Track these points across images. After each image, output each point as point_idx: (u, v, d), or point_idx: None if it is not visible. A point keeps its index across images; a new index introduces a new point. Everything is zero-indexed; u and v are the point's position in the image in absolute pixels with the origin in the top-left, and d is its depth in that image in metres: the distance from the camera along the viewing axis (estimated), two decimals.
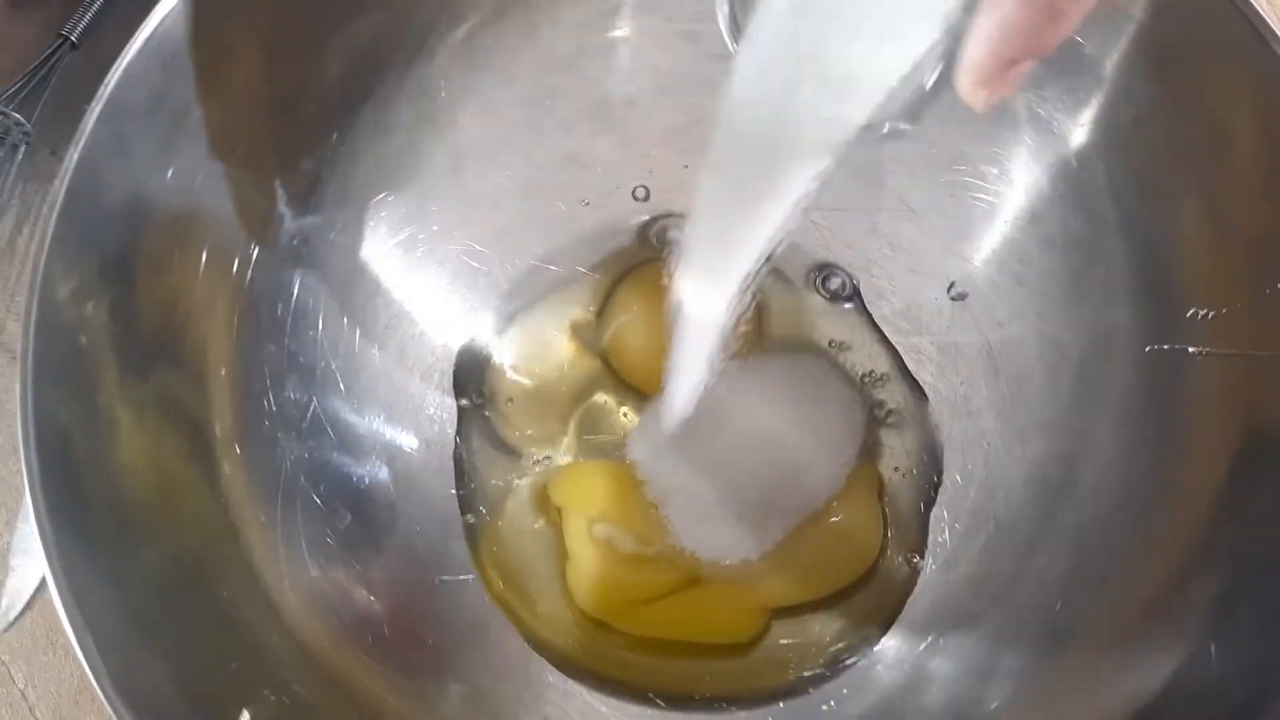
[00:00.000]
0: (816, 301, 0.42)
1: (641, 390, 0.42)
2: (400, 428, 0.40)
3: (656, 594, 0.39)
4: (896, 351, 0.41)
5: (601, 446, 0.42)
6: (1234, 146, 0.32)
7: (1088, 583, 0.35)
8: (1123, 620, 0.33)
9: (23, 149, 0.44)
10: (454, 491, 0.40)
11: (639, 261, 0.43)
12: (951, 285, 0.40)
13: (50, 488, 0.27)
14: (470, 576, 0.39)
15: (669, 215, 0.43)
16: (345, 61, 0.35)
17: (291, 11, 0.33)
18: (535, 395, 0.42)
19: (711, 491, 0.39)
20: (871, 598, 0.39)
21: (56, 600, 0.27)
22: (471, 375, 0.42)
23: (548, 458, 0.41)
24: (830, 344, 0.42)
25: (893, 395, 0.41)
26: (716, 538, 0.39)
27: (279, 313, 0.36)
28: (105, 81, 0.29)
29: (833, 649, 0.38)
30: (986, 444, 0.39)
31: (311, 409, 0.37)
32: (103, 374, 0.30)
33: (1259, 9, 0.29)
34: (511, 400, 0.42)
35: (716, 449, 0.40)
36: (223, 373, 0.35)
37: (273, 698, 0.32)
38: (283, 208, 0.36)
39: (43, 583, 0.32)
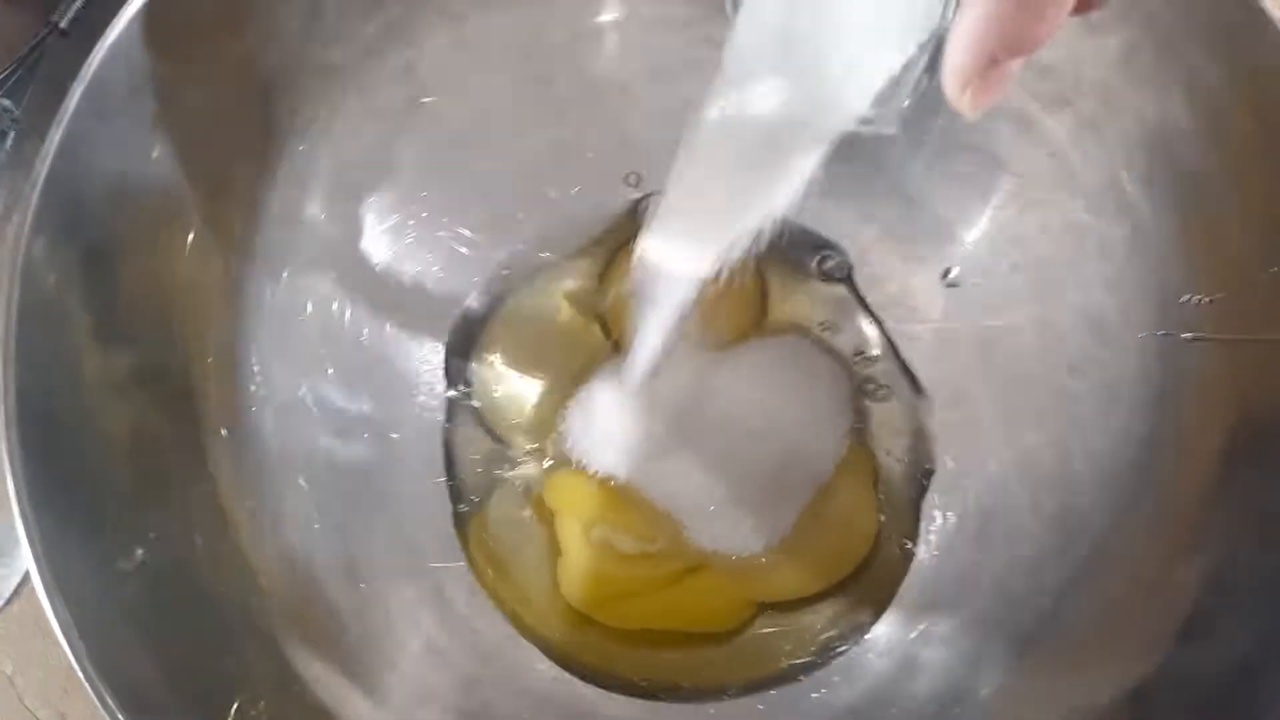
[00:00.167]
0: (806, 283, 0.42)
1: None
2: (390, 415, 0.40)
3: (650, 589, 0.39)
4: (889, 336, 0.41)
5: None
6: (1228, 131, 0.32)
7: (1078, 570, 0.35)
8: (1113, 607, 0.33)
9: (11, 135, 0.44)
10: (444, 480, 0.40)
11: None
12: (947, 271, 0.40)
13: (32, 473, 0.27)
14: (460, 564, 0.39)
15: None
16: (332, 45, 0.35)
17: None
18: (525, 385, 0.42)
19: (721, 487, 0.39)
20: (864, 585, 0.39)
21: (38, 586, 0.27)
22: (461, 364, 0.42)
23: (537, 448, 0.41)
24: (820, 325, 0.42)
25: (884, 374, 0.41)
26: (735, 531, 0.39)
27: (267, 297, 0.36)
28: (89, 61, 0.29)
29: (824, 636, 0.38)
30: (979, 430, 0.39)
31: (300, 395, 0.37)
32: (86, 358, 0.30)
33: None
34: (501, 390, 0.42)
35: (717, 443, 0.40)
36: (209, 359, 0.34)
37: (262, 685, 0.32)
38: (269, 191, 0.35)
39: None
